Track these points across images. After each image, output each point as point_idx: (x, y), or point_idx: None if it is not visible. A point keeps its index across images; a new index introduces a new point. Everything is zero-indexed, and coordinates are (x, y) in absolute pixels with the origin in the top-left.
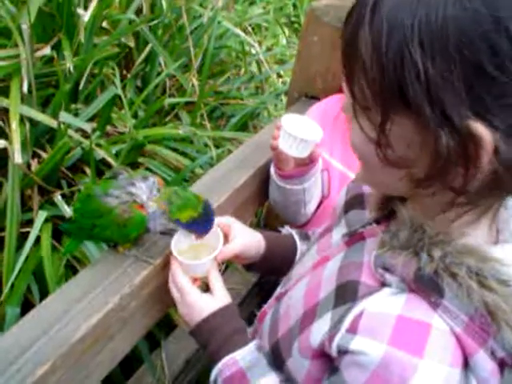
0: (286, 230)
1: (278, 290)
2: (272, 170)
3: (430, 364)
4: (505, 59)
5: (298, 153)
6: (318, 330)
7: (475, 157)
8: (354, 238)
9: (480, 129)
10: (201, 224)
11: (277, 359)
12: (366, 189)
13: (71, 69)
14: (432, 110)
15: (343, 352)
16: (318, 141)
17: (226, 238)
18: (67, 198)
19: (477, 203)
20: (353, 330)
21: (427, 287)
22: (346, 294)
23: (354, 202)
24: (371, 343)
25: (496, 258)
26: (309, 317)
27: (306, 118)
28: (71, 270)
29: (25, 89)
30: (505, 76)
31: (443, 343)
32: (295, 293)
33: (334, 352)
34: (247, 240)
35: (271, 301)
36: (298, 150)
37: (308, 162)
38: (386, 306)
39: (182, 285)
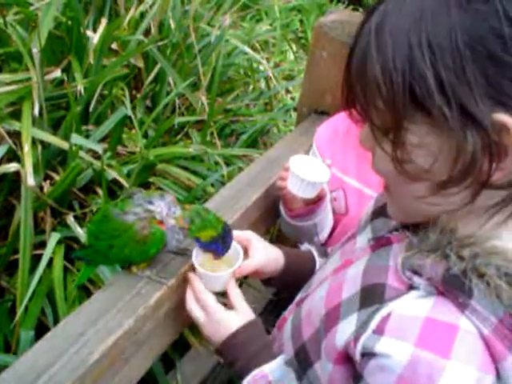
0: (305, 246)
1: (299, 296)
2: (281, 208)
3: (457, 365)
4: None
5: (306, 194)
6: (343, 331)
7: (505, 147)
8: (379, 243)
9: (503, 117)
10: (219, 244)
11: (302, 363)
12: None
13: (81, 91)
14: (450, 110)
15: (368, 355)
16: (326, 181)
17: (246, 252)
18: (79, 220)
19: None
20: (380, 331)
21: (455, 287)
22: (373, 295)
23: (382, 210)
24: (398, 344)
25: None
26: (332, 317)
27: (314, 159)
28: (84, 292)
29: (36, 112)
30: None
31: (470, 345)
32: (316, 295)
33: (358, 354)
34: (266, 256)
35: (291, 307)
36: (307, 191)
37: (316, 200)
38: (414, 308)
39: (208, 302)
